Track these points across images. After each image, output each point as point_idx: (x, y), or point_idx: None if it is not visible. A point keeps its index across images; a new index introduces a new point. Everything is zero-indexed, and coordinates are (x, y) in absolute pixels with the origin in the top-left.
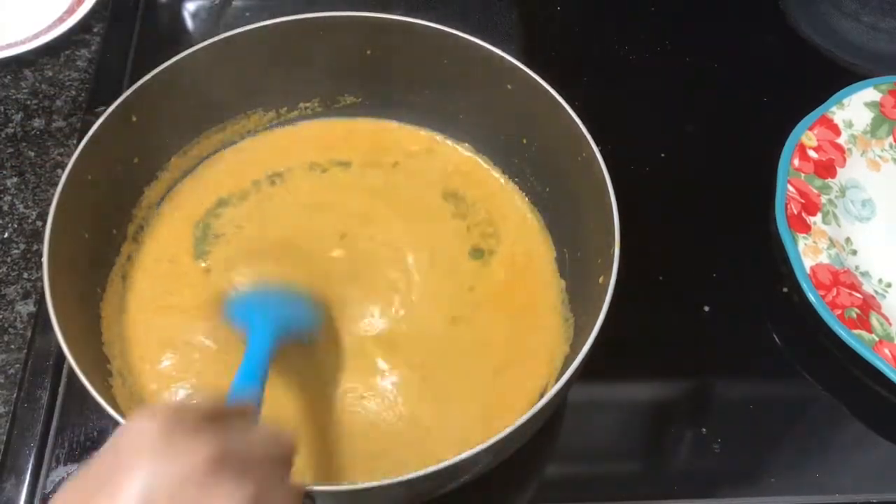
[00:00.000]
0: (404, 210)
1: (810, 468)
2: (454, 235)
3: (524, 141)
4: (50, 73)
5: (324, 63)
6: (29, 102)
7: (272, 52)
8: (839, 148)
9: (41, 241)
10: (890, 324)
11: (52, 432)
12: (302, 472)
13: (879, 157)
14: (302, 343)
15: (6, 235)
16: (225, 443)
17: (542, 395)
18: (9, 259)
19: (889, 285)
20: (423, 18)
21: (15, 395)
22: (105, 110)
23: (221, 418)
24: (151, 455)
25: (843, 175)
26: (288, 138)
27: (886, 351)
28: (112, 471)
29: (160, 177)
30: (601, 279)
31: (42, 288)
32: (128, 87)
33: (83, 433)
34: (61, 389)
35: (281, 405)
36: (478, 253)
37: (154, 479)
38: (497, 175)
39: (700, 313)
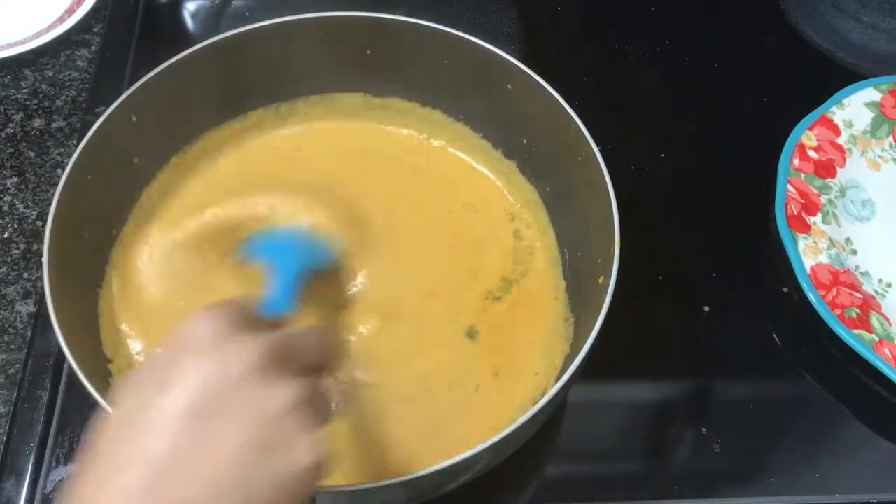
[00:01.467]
0: (401, 209)
1: (810, 468)
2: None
3: (524, 141)
4: (50, 73)
5: (324, 63)
6: (29, 102)
7: (272, 52)
8: (839, 148)
9: (41, 241)
10: (890, 324)
11: (52, 432)
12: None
13: (879, 157)
14: (325, 270)
15: (6, 235)
16: (273, 345)
17: (542, 395)
18: (9, 259)
19: (889, 285)
20: (423, 18)
21: (15, 395)
22: (105, 110)
23: (267, 325)
24: (205, 354)
25: (843, 175)
26: (287, 139)
27: (886, 351)
28: (166, 368)
29: (160, 177)
30: (601, 279)
31: (42, 288)
32: (128, 87)
33: (83, 433)
34: (61, 389)
35: None
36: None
37: (206, 377)
38: (496, 175)
39: (700, 313)
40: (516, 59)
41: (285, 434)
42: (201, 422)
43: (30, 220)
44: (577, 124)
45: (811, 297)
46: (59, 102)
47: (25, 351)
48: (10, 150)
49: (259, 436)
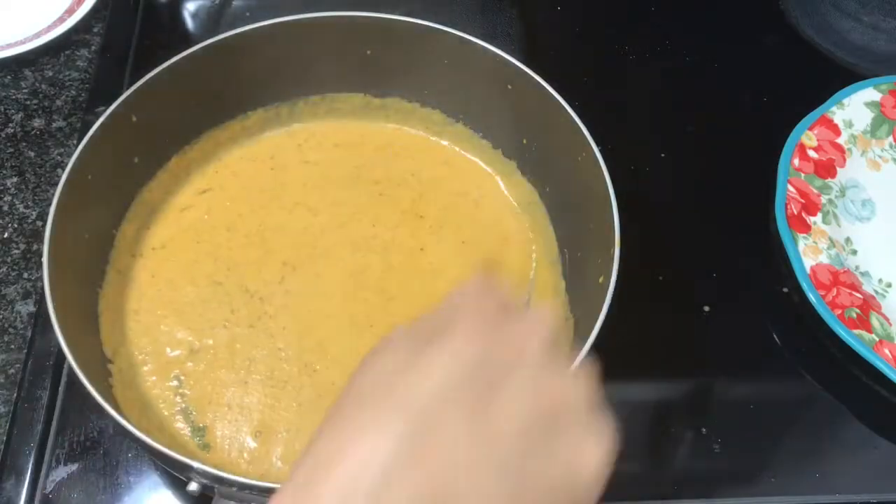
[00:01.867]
0: (402, 208)
1: (810, 468)
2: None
3: (524, 141)
4: (50, 73)
5: (324, 63)
6: (29, 102)
7: (272, 52)
8: (839, 148)
9: (41, 241)
10: (890, 324)
11: (52, 432)
12: None
13: (879, 157)
14: None
15: (6, 235)
16: (551, 332)
17: None
18: (9, 259)
19: (889, 285)
20: (423, 18)
21: (15, 395)
22: (105, 110)
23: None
24: (490, 324)
25: (843, 175)
26: (287, 139)
27: (886, 351)
28: (440, 329)
29: (160, 177)
30: (601, 279)
31: (42, 288)
32: (128, 87)
33: (83, 433)
34: (61, 389)
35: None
36: None
37: (487, 344)
38: (497, 175)
39: (700, 313)
40: (516, 59)
41: (572, 423)
42: (479, 393)
43: (30, 220)
44: (577, 124)
45: (811, 297)
46: (59, 102)
47: (25, 351)
48: (10, 150)
49: (546, 417)
